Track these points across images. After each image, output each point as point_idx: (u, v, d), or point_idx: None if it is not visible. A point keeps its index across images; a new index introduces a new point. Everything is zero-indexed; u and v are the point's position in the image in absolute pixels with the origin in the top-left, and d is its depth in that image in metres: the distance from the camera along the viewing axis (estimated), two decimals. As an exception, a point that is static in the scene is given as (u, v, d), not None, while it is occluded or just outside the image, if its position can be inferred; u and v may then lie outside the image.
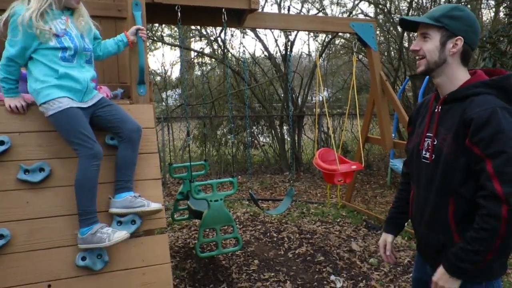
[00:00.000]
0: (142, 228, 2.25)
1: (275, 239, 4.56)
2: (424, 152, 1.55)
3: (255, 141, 9.31)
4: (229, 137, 8.83)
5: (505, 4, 5.30)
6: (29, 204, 2.11)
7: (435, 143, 1.48)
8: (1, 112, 2.18)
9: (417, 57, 1.53)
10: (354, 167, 4.44)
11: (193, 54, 9.71)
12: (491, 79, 1.43)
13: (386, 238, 1.88)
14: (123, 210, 2.13)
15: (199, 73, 10.06)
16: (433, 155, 1.48)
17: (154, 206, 2.19)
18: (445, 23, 1.44)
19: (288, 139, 8.72)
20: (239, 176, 7.70)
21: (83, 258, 2.11)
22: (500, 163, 1.30)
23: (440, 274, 1.44)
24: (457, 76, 1.48)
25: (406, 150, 1.78)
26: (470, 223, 1.39)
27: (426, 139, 1.54)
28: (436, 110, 1.52)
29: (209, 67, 9.94)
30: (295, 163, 8.11)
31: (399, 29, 9.35)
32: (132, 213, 2.15)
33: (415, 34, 1.59)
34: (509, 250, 1.38)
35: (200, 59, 9.56)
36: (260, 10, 4.08)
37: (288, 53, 7.18)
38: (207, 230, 4.55)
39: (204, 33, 8.85)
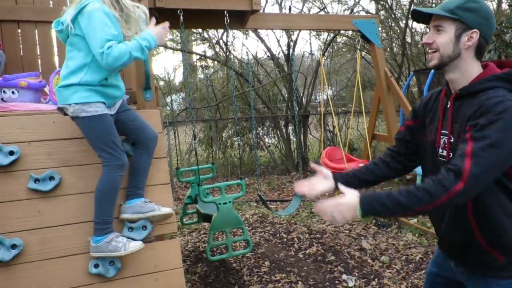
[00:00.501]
0: (153, 234, 2.25)
1: (285, 239, 4.55)
2: (440, 150, 1.50)
3: (261, 142, 9.30)
4: (234, 139, 8.83)
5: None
6: (41, 213, 2.11)
7: (451, 140, 1.43)
8: (11, 122, 2.18)
9: (429, 50, 1.47)
10: (361, 165, 4.40)
11: (195, 57, 9.73)
12: (504, 72, 1.38)
13: (322, 180, 1.65)
14: (134, 215, 2.13)
15: (202, 76, 10.08)
16: (450, 153, 1.44)
17: (165, 210, 2.18)
18: (460, 15, 1.39)
19: (294, 139, 8.70)
20: (246, 178, 7.69)
21: (96, 266, 2.11)
22: (480, 146, 1.26)
23: (343, 200, 1.38)
24: (471, 70, 1.43)
25: (396, 139, 1.72)
26: (490, 221, 1.37)
27: (441, 136, 1.49)
28: (448, 106, 1.48)
29: (212, 70, 9.95)
30: (302, 163, 8.09)
31: (401, 24, 9.31)
32: (143, 218, 2.15)
33: (417, 29, 1.54)
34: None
35: (203, 62, 9.58)
36: (261, 11, 4.08)
37: (291, 52, 7.17)
38: (217, 233, 4.55)
39: (206, 36, 8.87)
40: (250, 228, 5.00)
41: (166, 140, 7.58)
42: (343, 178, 1.65)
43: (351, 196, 1.39)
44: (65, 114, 2.09)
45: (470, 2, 1.39)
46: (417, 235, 4.43)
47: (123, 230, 2.18)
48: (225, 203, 3.37)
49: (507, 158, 1.29)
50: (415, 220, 4.81)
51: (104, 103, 2.05)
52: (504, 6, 8.59)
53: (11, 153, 2.11)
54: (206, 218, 3.84)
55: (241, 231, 3.60)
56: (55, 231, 2.12)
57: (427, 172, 1.61)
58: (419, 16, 1.51)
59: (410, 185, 1.38)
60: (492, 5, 9.35)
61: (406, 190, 1.32)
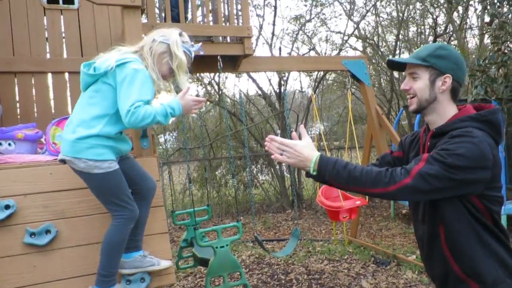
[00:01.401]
0: (151, 286, 2.20)
1: (283, 281, 4.46)
2: None
3: (255, 180, 9.28)
4: (228, 177, 8.81)
5: (490, 33, 5.48)
6: (37, 268, 2.07)
7: None
8: (6, 174, 2.17)
9: (407, 96, 1.58)
10: (358, 202, 4.42)
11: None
12: (478, 113, 1.48)
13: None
14: (133, 270, 2.09)
15: (194, 115, 10.17)
16: None
17: (164, 264, 2.15)
18: (433, 62, 1.50)
19: (288, 175, 8.71)
20: (241, 217, 7.62)
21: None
22: (434, 157, 1.37)
23: (304, 152, 1.48)
24: (447, 112, 1.53)
25: (382, 156, 1.83)
26: (463, 250, 1.44)
27: None
28: (426, 144, 1.58)
29: (205, 109, 10.07)
30: (297, 200, 8.06)
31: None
32: (142, 272, 2.11)
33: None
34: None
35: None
36: (252, 52, 4.20)
37: (283, 91, 7.31)
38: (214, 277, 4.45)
39: (198, 75, 9.02)
40: (247, 270, 4.90)
41: (160, 181, 7.54)
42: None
43: (312, 152, 1.50)
44: (64, 163, 2.01)
45: (440, 50, 1.52)
46: (416, 272, 4.37)
47: (121, 282, 2.13)
48: (222, 247, 3.32)
49: (459, 183, 1.36)
50: (414, 256, 4.77)
51: (116, 159, 2.02)
52: (486, 40, 8.92)
53: (7, 207, 2.09)
54: (203, 262, 3.76)
55: (238, 274, 3.53)
56: (52, 286, 2.07)
57: (412, 211, 1.69)
58: (394, 65, 1.64)
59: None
60: (475, 41, 9.70)
61: (362, 168, 1.45)
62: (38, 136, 2.59)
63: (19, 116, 3.10)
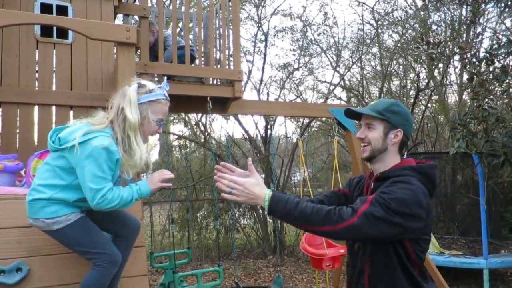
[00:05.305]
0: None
1: (263, 332, 4.26)
2: None
3: (237, 224, 9.11)
4: (210, 220, 8.63)
5: (470, 89, 5.73)
6: (2, 309, 1.92)
7: None
8: (-20, 207, 2.07)
9: (362, 144, 1.72)
10: (342, 250, 4.33)
11: (173, 137, 9.84)
12: (418, 165, 1.64)
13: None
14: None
15: (178, 155, 10.10)
16: None
17: None
18: (388, 116, 1.66)
19: (271, 221, 8.58)
20: (221, 262, 7.39)
21: None
22: (378, 198, 1.47)
23: (255, 190, 1.53)
24: (392, 161, 1.69)
25: (332, 192, 1.92)
26: None
27: None
28: (369, 186, 1.71)
29: (189, 150, 10.02)
30: (279, 246, 7.91)
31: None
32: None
33: None
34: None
35: (180, 141, 9.66)
36: (242, 95, 4.26)
37: (269, 135, 7.36)
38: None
39: (185, 116, 9.05)
40: (226, 319, 4.68)
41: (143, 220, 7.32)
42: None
43: (263, 190, 1.55)
44: None
45: (395, 106, 1.69)
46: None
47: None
48: (201, 293, 3.19)
49: (398, 227, 1.45)
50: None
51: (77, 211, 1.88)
52: (464, 97, 9.28)
53: (-22, 241, 1.97)
54: (180, 309, 3.59)
55: (217, 324, 3.36)
56: (16, 331, 1.91)
57: (349, 249, 1.80)
58: (351, 114, 1.78)
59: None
60: (455, 97, 10.09)
61: (313, 206, 1.50)
62: (18, 168, 2.50)
63: (0, 147, 3.00)
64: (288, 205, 1.50)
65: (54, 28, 3.29)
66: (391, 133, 1.66)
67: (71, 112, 3.30)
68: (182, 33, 5.82)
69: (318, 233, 1.61)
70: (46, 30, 3.30)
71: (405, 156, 1.75)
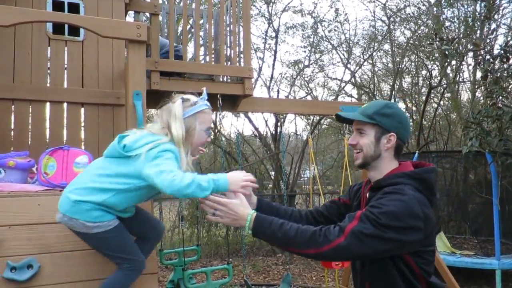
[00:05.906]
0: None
1: (272, 330, 4.26)
2: None
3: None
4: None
5: (484, 87, 5.64)
6: (13, 306, 1.94)
7: None
8: (-8, 204, 2.08)
9: (354, 151, 1.63)
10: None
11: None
12: (412, 171, 1.53)
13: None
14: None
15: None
16: None
17: None
18: (378, 120, 1.55)
19: (280, 218, 8.57)
20: (231, 259, 7.40)
21: None
22: (366, 215, 1.39)
23: (239, 211, 1.49)
24: (388, 167, 1.59)
25: (332, 201, 1.88)
26: None
27: None
28: (365, 196, 1.64)
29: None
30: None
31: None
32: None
33: None
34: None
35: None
36: (252, 93, 4.24)
37: (279, 133, 7.35)
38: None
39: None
40: (235, 316, 4.69)
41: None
42: (259, 204, 1.82)
43: (246, 211, 1.51)
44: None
45: (386, 108, 1.57)
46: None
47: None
48: (211, 290, 3.19)
49: (392, 242, 1.37)
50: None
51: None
52: (477, 94, 9.14)
53: (-10, 238, 1.98)
54: (190, 306, 3.59)
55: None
56: (27, 327, 1.93)
57: (353, 263, 1.75)
58: (343, 119, 1.71)
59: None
60: (468, 94, 9.95)
61: (298, 227, 1.44)
62: (30, 165, 2.52)
63: (12, 143, 3.03)
64: (272, 225, 1.44)
65: (66, 25, 3.30)
66: (383, 138, 1.56)
67: (82, 109, 3.32)
68: (192, 30, 5.82)
69: (305, 256, 1.53)
70: (58, 28, 3.31)
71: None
